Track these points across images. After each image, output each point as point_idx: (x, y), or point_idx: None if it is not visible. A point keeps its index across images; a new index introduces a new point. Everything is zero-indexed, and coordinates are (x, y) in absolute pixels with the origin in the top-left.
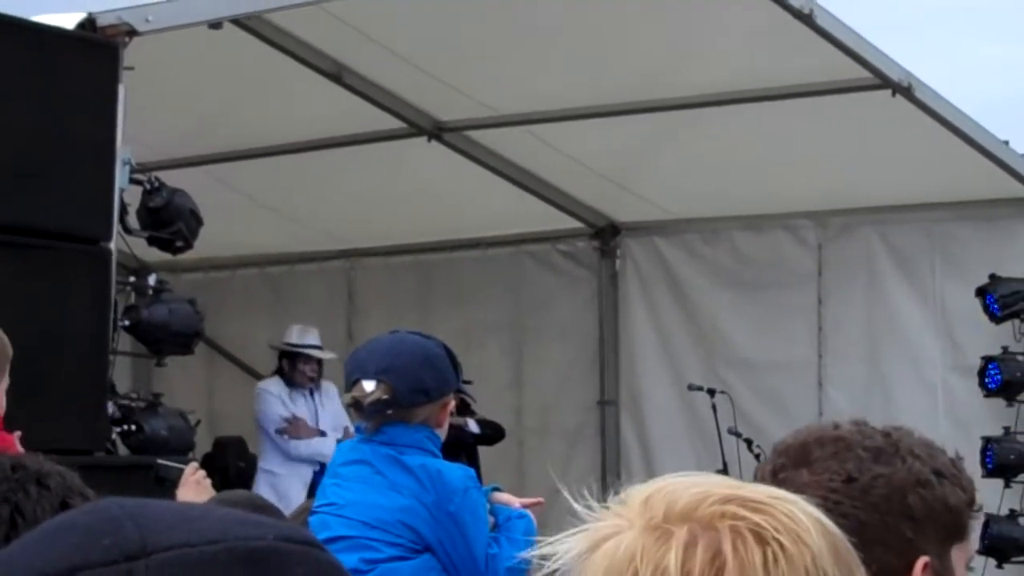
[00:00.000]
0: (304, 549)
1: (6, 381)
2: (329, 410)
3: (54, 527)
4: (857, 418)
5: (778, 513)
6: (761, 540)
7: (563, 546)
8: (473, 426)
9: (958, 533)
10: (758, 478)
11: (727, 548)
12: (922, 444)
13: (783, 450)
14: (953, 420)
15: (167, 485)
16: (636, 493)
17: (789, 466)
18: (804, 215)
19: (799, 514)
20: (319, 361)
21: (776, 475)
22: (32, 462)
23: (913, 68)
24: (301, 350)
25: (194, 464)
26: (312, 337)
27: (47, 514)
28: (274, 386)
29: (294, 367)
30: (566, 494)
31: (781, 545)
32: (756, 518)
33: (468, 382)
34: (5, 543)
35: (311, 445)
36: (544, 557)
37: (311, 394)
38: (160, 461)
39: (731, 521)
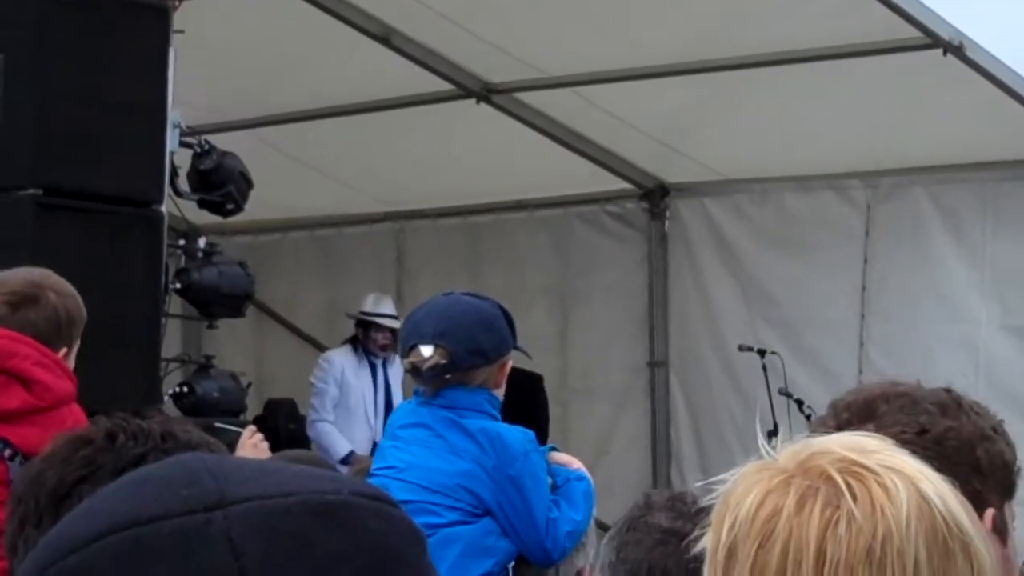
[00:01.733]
0: (377, 504)
1: (76, 344)
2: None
3: (135, 479)
4: (911, 381)
5: (872, 482)
6: (830, 504)
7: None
8: None
9: (1011, 489)
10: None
11: (791, 503)
12: (975, 402)
13: (845, 406)
14: (995, 381)
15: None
16: (789, 447)
17: (855, 422)
18: (854, 175)
19: (896, 487)
20: (393, 330)
21: (840, 431)
22: (181, 432)
23: (963, 27)
24: (374, 319)
25: (252, 427)
26: (386, 306)
27: None
28: (337, 357)
29: (368, 335)
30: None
31: (851, 515)
32: (849, 480)
33: None
34: None
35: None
36: (708, 490)
37: (383, 364)
38: (217, 424)
39: (816, 480)
